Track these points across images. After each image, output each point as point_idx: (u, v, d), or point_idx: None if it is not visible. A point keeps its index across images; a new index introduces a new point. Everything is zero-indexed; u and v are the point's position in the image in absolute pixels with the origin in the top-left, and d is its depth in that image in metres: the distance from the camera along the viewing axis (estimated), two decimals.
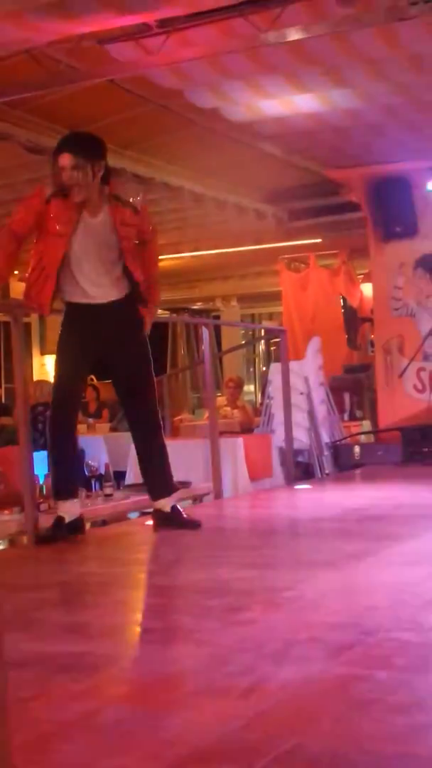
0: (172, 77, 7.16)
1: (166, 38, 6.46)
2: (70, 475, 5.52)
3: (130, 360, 5.49)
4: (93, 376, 16.86)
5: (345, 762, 1.94)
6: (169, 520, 5.54)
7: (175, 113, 8.43)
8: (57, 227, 5.28)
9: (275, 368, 9.16)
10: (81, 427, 10.96)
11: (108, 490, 6.67)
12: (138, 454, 5.73)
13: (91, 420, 11.84)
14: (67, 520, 5.37)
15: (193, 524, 5.50)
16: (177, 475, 7.21)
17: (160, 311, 19.09)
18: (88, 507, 6.30)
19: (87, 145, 5.38)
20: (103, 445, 9.08)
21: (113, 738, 2.14)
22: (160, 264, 14.99)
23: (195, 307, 19.16)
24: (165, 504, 5.58)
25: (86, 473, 6.86)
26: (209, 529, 5.56)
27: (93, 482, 6.84)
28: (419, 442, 9.49)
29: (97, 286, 5.39)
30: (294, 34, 6.22)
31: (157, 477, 5.62)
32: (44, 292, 5.35)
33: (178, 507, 5.64)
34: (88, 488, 6.75)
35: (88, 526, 6.07)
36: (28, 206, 5.38)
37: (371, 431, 10.73)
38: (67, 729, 2.21)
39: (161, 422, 5.67)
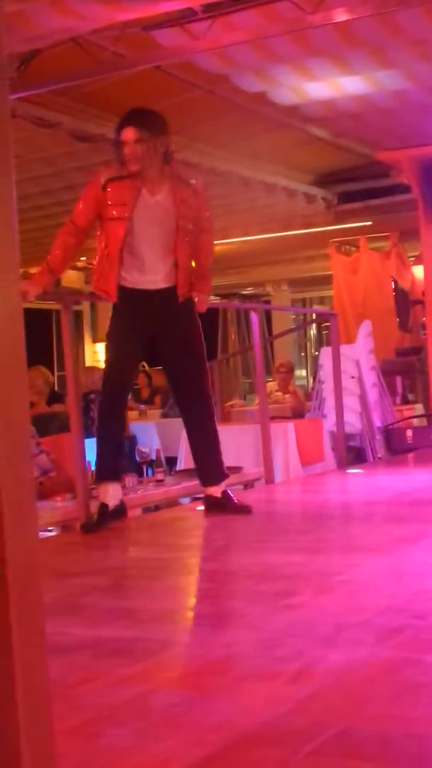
0: (218, 62, 7.15)
1: (211, 23, 6.44)
2: (114, 460, 5.51)
3: (182, 347, 5.47)
4: (145, 363, 16.95)
5: (393, 746, 1.93)
6: (220, 506, 5.55)
7: (221, 98, 8.42)
8: (115, 212, 5.26)
9: (326, 352, 9.13)
10: (133, 414, 11.03)
11: (159, 476, 6.70)
12: (189, 440, 5.73)
13: (143, 406, 11.87)
14: (111, 506, 5.37)
15: (243, 509, 5.50)
16: (228, 461, 7.23)
17: (210, 297, 19.05)
18: (138, 493, 6.34)
19: (151, 120, 5.33)
20: (154, 431, 9.11)
21: (161, 722, 2.15)
22: None
23: (245, 292, 19.15)
24: (216, 490, 5.59)
25: (137, 459, 6.90)
26: (260, 514, 5.56)
27: (144, 468, 6.87)
28: None
29: (153, 271, 5.34)
30: (339, 16, 6.18)
31: (208, 463, 5.62)
32: (110, 279, 5.31)
33: (229, 492, 5.64)
34: (140, 474, 6.79)
35: (139, 511, 6.11)
36: (86, 196, 5.37)
37: (424, 415, 10.66)
38: (115, 713, 2.22)
39: (213, 409, 5.65)
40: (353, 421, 8.93)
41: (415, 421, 10.22)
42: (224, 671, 2.59)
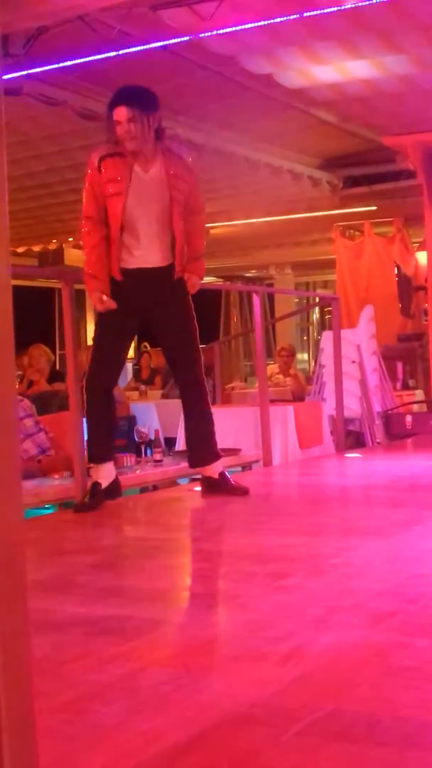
0: (226, 43, 7.12)
1: (219, 4, 6.42)
2: (106, 440, 5.49)
3: (175, 329, 5.47)
4: (146, 343, 16.95)
5: (379, 727, 1.94)
6: (217, 487, 5.56)
7: (228, 79, 8.39)
8: (111, 188, 5.24)
9: (327, 336, 9.13)
10: (133, 394, 11.04)
11: (158, 456, 6.71)
12: (184, 419, 5.74)
13: (143, 387, 11.88)
14: (104, 485, 5.36)
15: (240, 490, 5.51)
16: (227, 442, 7.25)
17: (213, 278, 19.07)
18: (137, 472, 6.35)
19: (141, 97, 5.33)
20: (154, 412, 9.12)
21: (150, 700, 2.16)
22: (215, 231, 15.00)
23: (248, 274, 19.13)
24: (211, 470, 5.60)
25: (136, 439, 6.91)
26: (257, 496, 5.58)
27: (143, 448, 6.89)
28: None
29: (149, 249, 5.32)
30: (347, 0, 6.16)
31: (199, 444, 5.62)
32: (113, 261, 5.30)
33: (226, 474, 5.65)
34: (138, 454, 6.80)
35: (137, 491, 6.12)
36: (87, 186, 5.36)
37: (424, 401, 10.67)
38: (105, 690, 2.23)
39: (205, 390, 5.63)
40: (353, 406, 8.94)
41: (415, 407, 10.24)
42: (214, 651, 2.61)
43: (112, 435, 5.64)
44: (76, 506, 5.38)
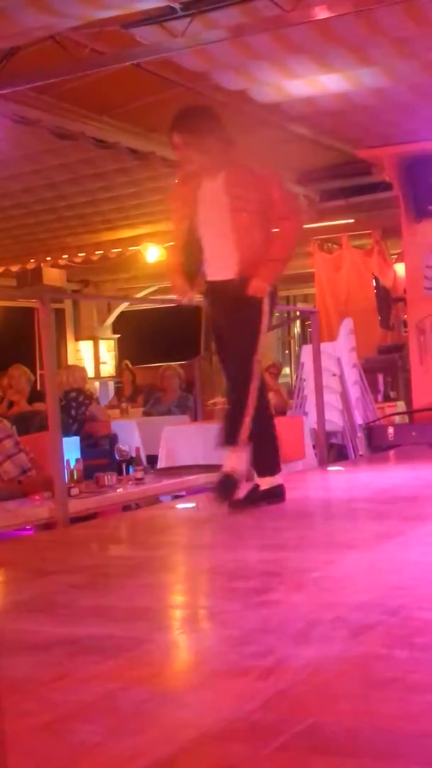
0: (198, 60, 7.15)
1: (190, 20, 6.44)
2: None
3: (231, 341, 5.50)
4: (128, 361, 16.94)
5: (359, 740, 1.94)
6: (258, 499, 5.56)
7: (202, 96, 8.40)
8: (184, 208, 5.43)
9: (307, 350, 9.14)
10: (114, 412, 11.03)
11: (139, 474, 6.70)
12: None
13: (124, 404, 11.87)
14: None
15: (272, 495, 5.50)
16: (210, 458, 7.24)
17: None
18: (118, 491, 6.34)
19: (195, 121, 5.40)
20: (135, 430, 9.11)
21: (131, 718, 2.15)
22: None
23: None
24: (265, 482, 5.57)
25: (117, 457, 6.90)
26: (238, 512, 5.56)
27: (124, 466, 6.88)
28: None
29: (216, 262, 5.41)
30: (318, 14, 6.19)
31: (258, 455, 5.58)
32: (176, 273, 5.50)
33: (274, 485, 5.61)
34: (119, 472, 6.79)
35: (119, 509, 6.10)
36: (172, 213, 5.61)
37: (405, 412, 10.68)
38: (86, 710, 2.22)
39: (265, 407, 5.57)
40: (335, 419, 8.95)
41: (397, 419, 10.24)
42: (195, 668, 2.60)
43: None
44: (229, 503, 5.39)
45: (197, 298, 5.55)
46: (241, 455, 5.44)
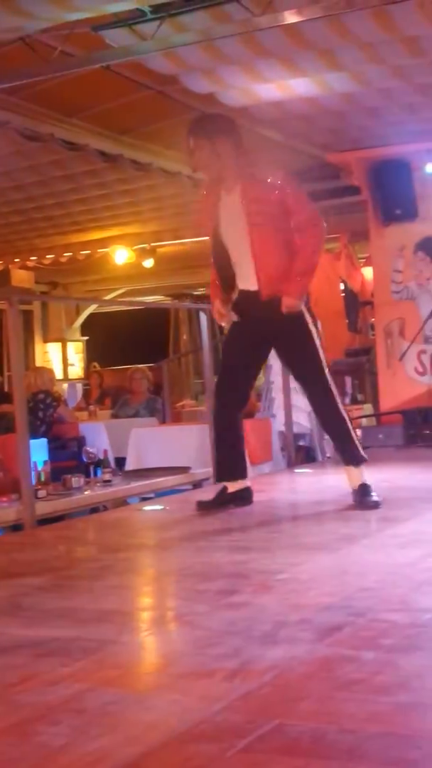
0: (167, 63, 7.15)
1: (159, 24, 6.45)
2: (232, 460, 5.70)
3: (290, 348, 5.61)
4: (96, 364, 16.91)
5: (325, 741, 1.95)
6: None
7: (171, 99, 8.42)
8: (208, 218, 5.44)
9: (275, 352, 9.14)
10: (82, 414, 11.01)
11: (107, 476, 6.69)
12: None
13: (92, 407, 11.85)
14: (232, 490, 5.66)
15: (372, 505, 5.38)
16: (177, 461, 7.25)
17: (161, 297, 19.02)
18: (86, 493, 6.34)
19: (206, 125, 5.45)
20: (103, 432, 9.09)
21: (97, 720, 2.15)
22: (162, 250, 14.95)
23: (197, 293, 19.15)
24: (355, 481, 5.53)
25: (85, 460, 6.89)
26: (207, 514, 5.57)
27: (92, 468, 6.87)
28: (420, 425, 9.50)
29: (240, 273, 5.42)
30: (287, 18, 6.21)
31: (341, 451, 5.64)
32: (213, 285, 5.57)
33: (368, 485, 5.53)
34: (87, 475, 6.78)
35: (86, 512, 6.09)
36: (201, 227, 5.70)
37: (372, 414, 10.72)
38: (51, 712, 2.22)
39: (335, 403, 5.57)
40: (302, 421, 8.96)
41: (364, 421, 10.28)
42: (161, 670, 2.61)
43: (240, 455, 5.78)
44: (198, 503, 5.61)
45: (234, 318, 5.57)
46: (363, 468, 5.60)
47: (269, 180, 5.38)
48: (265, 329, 5.47)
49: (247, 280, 5.40)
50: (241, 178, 5.33)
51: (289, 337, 5.49)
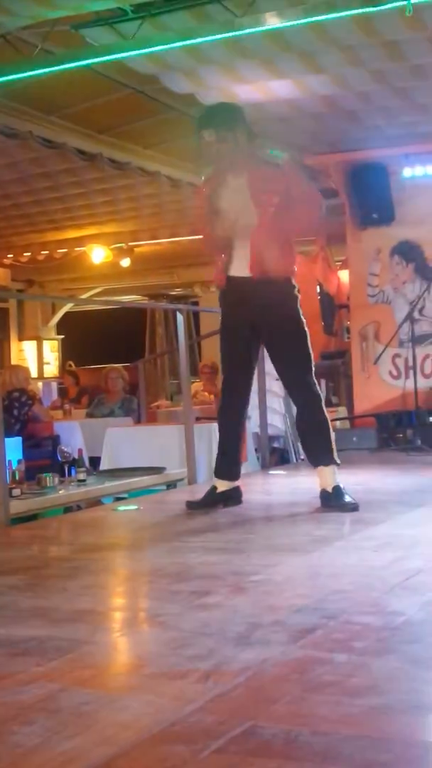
0: (147, 63, 7.16)
1: (141, 23, 6.45)
2: (232, 460, 5.80)
3: (275, 341, 5.63)
4: (72, 362, 16.88)
5: (298, 743, 1.96)
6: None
7: (151, 98, 8.43)
8: (212, 206, 5.46)
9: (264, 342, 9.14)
10: (57, 413, 10.98)
11: (81, 476, 6.67)
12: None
13: (67, 406, 11.83)
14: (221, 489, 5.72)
15: (350, 507, 5.39)
16: (152, 461, 7.25)
17: (137, 297, 18.97)
18: (60, 492, 6.32)
19: (226, 116, 5.43)
20: (78, 431, 9.08)
21: (70, 720, 2.15)
22: (139, 250, 14.92)
23: (173, 293, 19.15)
24: (329, 483, 5.55)
25: (59, 459, 6.87)
26: (180, 515, 5.58)
27: (66, 468, 6.85)
28: (394, 429, 9.54)
29: (240, 257, 5.43)
30: (269, 20, 6.22)
31: (317, 449, 5.67)
32: (219, 268, 5.55)
33: (341, 487, 5.55)
34: (62, 474, 6.77)
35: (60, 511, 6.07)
36: (201, 216, 5.64)
37: (346, 417, 10.75)
38: (24, 711, 2.22)
39: (315, 398, 5.64)
40: (277, 423, 8.97)
41: (338, 424, 10.30)
42: (134, 670, 2.61)
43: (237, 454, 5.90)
44: (188, 503, 5.68)
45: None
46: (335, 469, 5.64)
47: (276, 162, 5.43)
48: (256, 315, 5.50)
49: (242, 263, 5.41)
50: (248, 161, 5.39)
51: (279, 323, 5.54)
